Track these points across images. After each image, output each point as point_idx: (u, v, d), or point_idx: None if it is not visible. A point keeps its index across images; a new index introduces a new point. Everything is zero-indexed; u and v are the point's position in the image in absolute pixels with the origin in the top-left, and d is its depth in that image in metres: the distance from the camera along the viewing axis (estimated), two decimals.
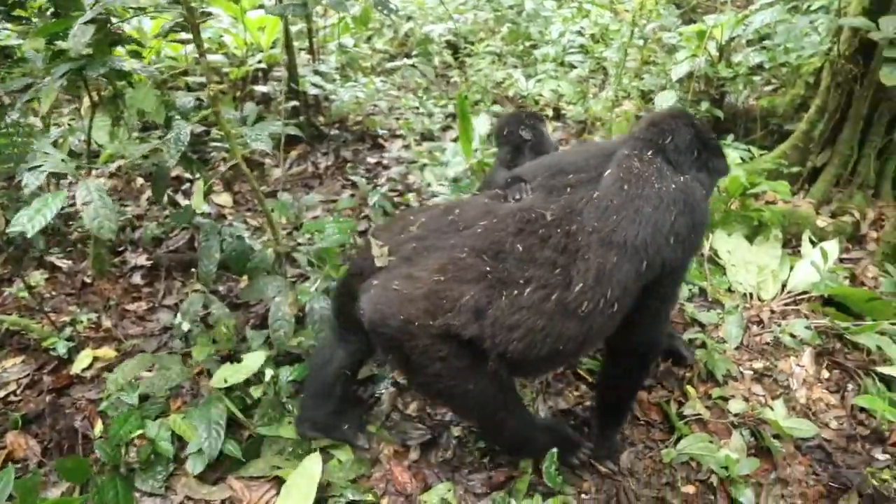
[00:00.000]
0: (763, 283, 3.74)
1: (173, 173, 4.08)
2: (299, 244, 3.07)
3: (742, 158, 3.96)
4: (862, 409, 2.80)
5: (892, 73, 3.58)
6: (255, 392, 2.70)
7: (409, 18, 5.86)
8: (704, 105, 4.53)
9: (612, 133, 4.14)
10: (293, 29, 4.47)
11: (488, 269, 1.91)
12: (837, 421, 2.83)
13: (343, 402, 2.50)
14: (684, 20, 5.99)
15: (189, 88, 4.33)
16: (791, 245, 3.92)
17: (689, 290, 3.54)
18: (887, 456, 2.64)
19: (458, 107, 3.58)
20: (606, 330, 2.07)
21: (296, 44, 4.47)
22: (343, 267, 2.94)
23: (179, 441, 2.49)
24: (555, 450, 2.22)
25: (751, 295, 3.66)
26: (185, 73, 4.32)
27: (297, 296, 2.70)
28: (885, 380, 2.91)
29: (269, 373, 2.64)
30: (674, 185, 2.07)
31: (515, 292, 1.88)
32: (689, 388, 2.88)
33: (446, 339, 1.88)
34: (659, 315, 2.25)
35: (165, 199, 3.60)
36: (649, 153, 2.14)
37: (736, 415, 2.77)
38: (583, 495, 2.42)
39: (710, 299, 3.54)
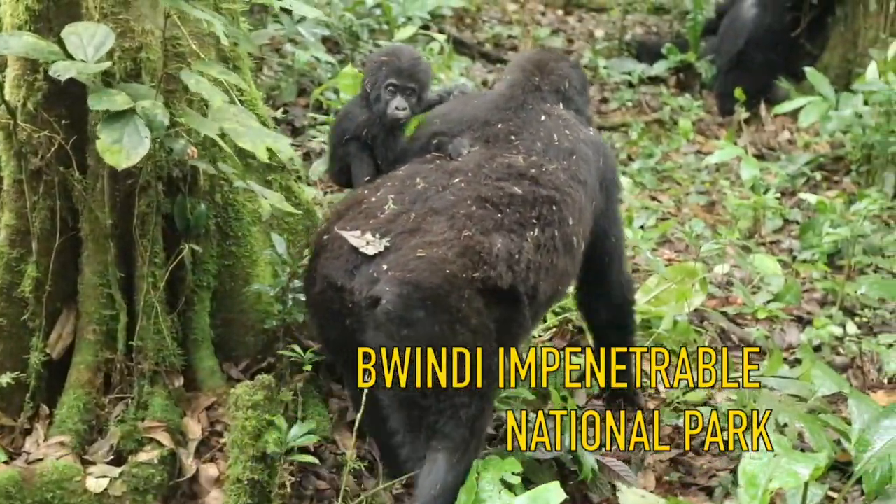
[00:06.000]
0: None
1: None
2: None
3: None
4: None
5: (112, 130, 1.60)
6: None
7: None
8: None
9: None
10: None
11: (499, 215, 1.82)
12: None
13: None
14: None
15: None
16: None
17: None
18: None
19: None
20: (576, 271, 2.10)
21: None
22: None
23: None
24: None
25: None
26: None
27: None
28: None
29: None
30: (591, 133, 2.22)
31: (532, 233, 1.83)
32: None
33: (484, 292, 1.73)
34: (620, 250, 2.34)
35: None
36: (560, 105, 2.20)
37: None
38: None
39: None
